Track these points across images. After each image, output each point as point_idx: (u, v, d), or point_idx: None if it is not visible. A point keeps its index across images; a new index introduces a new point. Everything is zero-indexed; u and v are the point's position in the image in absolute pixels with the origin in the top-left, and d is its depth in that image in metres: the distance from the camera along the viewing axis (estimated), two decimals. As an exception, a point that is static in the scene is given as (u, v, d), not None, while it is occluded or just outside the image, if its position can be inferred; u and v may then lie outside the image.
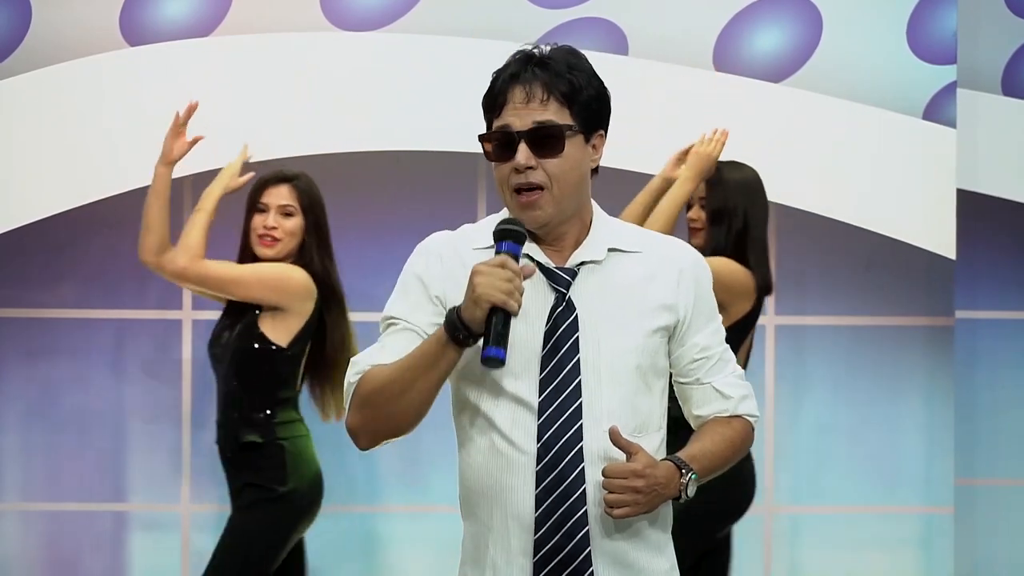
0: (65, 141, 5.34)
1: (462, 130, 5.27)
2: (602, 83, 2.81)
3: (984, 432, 5.79)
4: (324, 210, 4.83)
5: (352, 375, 2.77)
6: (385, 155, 5.46)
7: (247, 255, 4.80)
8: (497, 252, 2.70)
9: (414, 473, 5.56)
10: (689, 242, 4.80)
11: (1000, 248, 5.79)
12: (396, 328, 2.78)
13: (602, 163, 2.83)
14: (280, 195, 4.78)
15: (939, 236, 5.53)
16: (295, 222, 4.77)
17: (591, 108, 2.78)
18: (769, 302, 5.20)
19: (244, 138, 5.28)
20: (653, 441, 2.78)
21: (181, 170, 5.40)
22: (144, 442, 5.54)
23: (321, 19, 5.43)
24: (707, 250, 4.82)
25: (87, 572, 5.52)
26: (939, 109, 5.52)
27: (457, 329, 2.66)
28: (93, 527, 5.08)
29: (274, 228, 4.74)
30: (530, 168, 2.73)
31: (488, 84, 2.79)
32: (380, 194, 5.53)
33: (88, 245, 4.93)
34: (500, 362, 2.66)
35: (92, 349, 5.50)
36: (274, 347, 4.68)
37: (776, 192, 5.46)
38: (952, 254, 5.54)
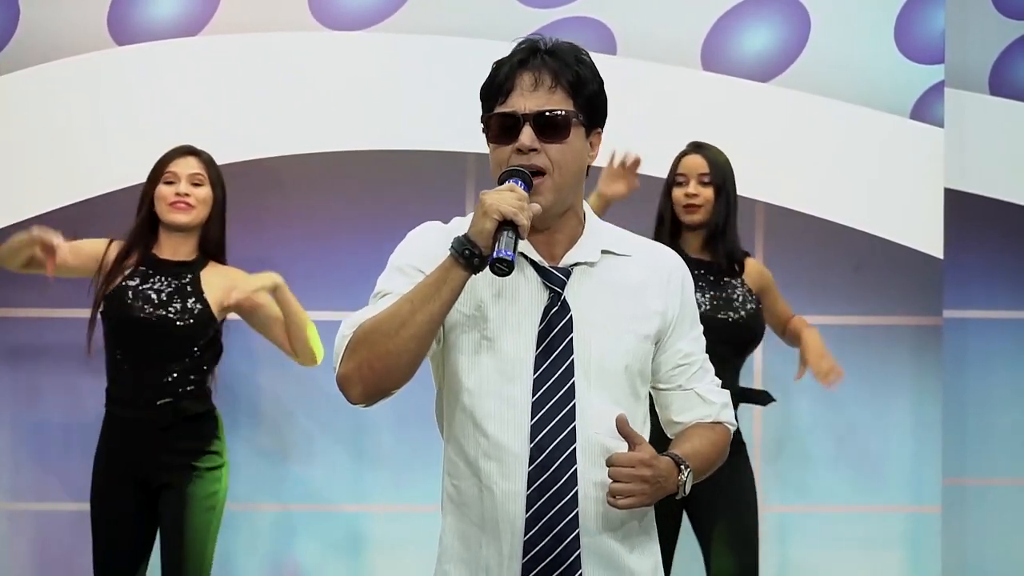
0: (53, 140, 5.33)
1: (450, 129, 5.28)
2: (603, 83, 2.80)
3: (972, 431, 5.79)
4: (225, 191, 4.83)
5: (346, 328, 2.69)
6: (373, 155, 5.45)
7: (146, 227, 4.76)
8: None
9: (402, 473, 5.55)
10: (683, 219, 4.81)
11: (988, 247, 5.79)
12: (389, 296, 2.70)
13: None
14: (189, 165, 4.77)
15: (927, 235, 5.53)
16: (205, 191, 4.77)
17: (593, 103, 2.77)
18: (757, 301, 5.20)
19: (230, 137, 5.27)
20: None
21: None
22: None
23: (309, 19, 5.43)
24: (707, 226, 4.81)
25: (78, 572, 5.51)
26: (927, 109, 5.52)
27: (463, 245, 2.60)
28: (82, 527, 5.05)
29: (187, 195, 4.73)
30: (533, 150, 2.70)
31: (487, 76, 2.76)
32: (368, 193, 5.52)
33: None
34: (510, 265, 2.59)
35: (80, 348, 5.48)
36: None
37: (764, 191, 5.48)
38: (940, 253, 5.54)
